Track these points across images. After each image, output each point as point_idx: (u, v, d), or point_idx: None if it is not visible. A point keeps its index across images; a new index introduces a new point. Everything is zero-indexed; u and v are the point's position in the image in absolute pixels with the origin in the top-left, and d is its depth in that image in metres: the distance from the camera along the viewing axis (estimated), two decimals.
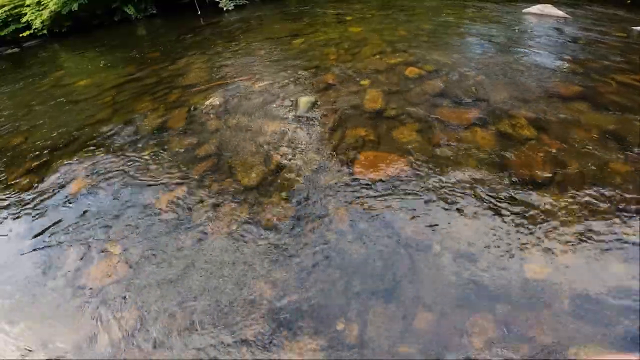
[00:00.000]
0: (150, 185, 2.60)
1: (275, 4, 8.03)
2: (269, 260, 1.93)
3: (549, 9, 5.13)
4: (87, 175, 2.82)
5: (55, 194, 2.72)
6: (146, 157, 2.86)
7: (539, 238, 1.85)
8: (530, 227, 1.91)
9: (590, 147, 2.37)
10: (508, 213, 1.99)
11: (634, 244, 1.76)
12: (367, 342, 1.53)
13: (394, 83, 3.35)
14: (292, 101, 3.22)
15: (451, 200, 2.09)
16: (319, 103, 3.15)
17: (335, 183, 2.30)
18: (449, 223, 1.97)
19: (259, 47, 4.95)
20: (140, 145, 3.03)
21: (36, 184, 2.87)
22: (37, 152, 3.31)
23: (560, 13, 5.02)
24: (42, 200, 2.67)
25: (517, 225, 1.93)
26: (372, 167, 2.38)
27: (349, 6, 6.81)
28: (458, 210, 2.04)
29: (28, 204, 2.66)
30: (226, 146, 2.81)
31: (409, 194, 2.17)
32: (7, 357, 1.74)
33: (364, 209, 2.12)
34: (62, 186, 2.78)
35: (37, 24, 8.52)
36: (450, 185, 2.19)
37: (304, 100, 3.09)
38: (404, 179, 2.27)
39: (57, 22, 8.76)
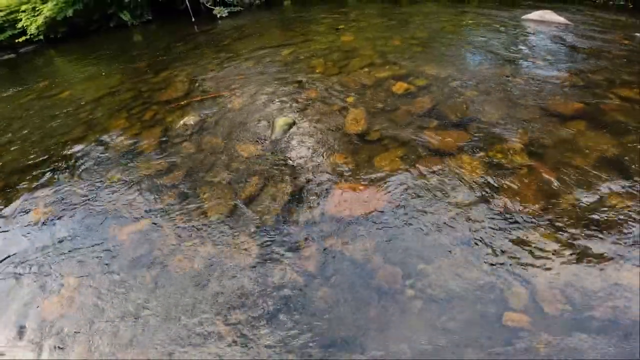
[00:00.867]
0: (113, 215, 2.43)
1: (271, 11, 7.87)
2: (229, 303, 1.77)
3: (549, 15, 4.88)
4: (50, 203, 2.66)
5: (14, 222, 2.57)
6: (112, 184, 2.69)
7: (523, 284, 1.64)
8: (515, 271, 1.70)
9: (588, 177, 2.15)
10: (490, 254, 1.78)
11: (628, 298, 1.54)
12: None
13: (380, 100, 3.14)
14: (269, 122, 3.02)
15: (430, 241, 1.89)
16: (297, 124, 2.95)
17: (307, 220, 2.11)
18: (426, 265, 1.77)
19: (246, 57, 4.77)
20: (107, 169, 2.86)
21: None
22: (7, 173, 3.17)
23: (560, 19, 4.77)
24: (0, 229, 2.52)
25: (498, 267, 1.72)
26: (347, 202, 2.18)
27: (344, 13, 6.61)
28: (436, 251, 1.83)
29: None
30: (196, 174, 2.63)
31: (385, 232, 1.96)
32: None
33: (334, 249, 1.93)
34: (23, 213, 2.62)
35: (32, 29, 8.46)
36: (430, 223, 1.98)
37: (281, 122, 2.90)
38: (381, 216, 2.06)
39: (53, 27, 8.68)
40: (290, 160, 2.60)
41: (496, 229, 1.91)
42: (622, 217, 1.90)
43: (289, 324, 1.63)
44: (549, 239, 1.83)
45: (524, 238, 1.85)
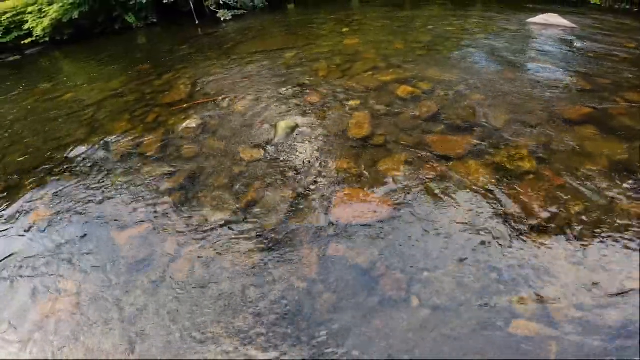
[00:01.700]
0: (112, 218, 2.40)
1: (275, 14, 7.87)
2: (229, 309, 1.73)
3: (555, 18, 4.84)
4: (50, 204, 2.64)
5: (13, 224, 2.55)
6: (113, 187, 2.67)
7: (532, 291, 1.59)
8: (523, 279, 1.65)
9: (598, 183, 2.10)
10: (497, 261, 1.74)
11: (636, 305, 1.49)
12: None
13: (384, 104, 3.10)
14: (271, 126, 2.99)
15: (436, 247, 1.84)
16: (299, 128, 2.92)
17: (309, 226, 2.07)
18: (431, 273, 1.72)
19: (249, 60, 4.76)
20: (108, 172, 2.84)
21: None
22: (8, 175, 3.16)
23: (566, 23, 4.72)
24: None
25: (505, 275, 1.67)
26: (350, 208, 2.14)
27: (348, 17, 6.59)
28: (442, 258, 1.79)
29: None
30: (197, 177, 2.60)
31: (389, 239, 1.92)
32: None
33: (337, 255, 1.88)
34: (23, 215, 2.60)
35: (38, 31, 8.51)
36: (435, 229, 1.94)
37: (283, 126, 2.86)
38: (385, 222, 2.02)
39: (59, 29, 8.74)
40: (293, 164, 2.56)
41: (503, 235, 1.86)
42: (633, 223, 1.84)
43: (290, 332, 1.59)
44: (557, 245, 1.78)
45: (532, 244, 1.80)
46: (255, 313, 1.69)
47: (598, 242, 1.78)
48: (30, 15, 8.73)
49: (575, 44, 4.14)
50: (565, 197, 2.03)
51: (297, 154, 2.65)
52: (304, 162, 2.56)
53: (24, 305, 1.94)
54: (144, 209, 2.42)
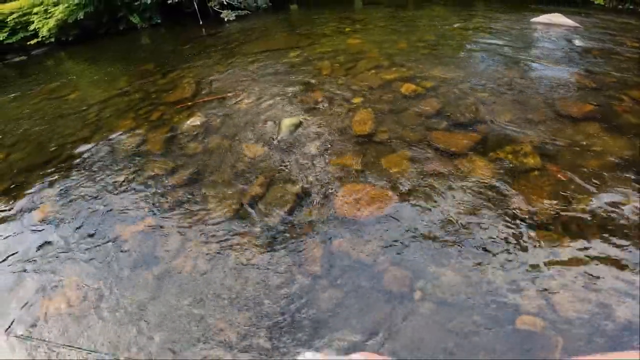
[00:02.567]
0: (117, 214, 2.42)
1: (278, 15, 7.90)
2: (233, 304, 1.74)
3: (558, 18, 4.83)
4: (56, 201, 2.66)
5: (20, 220, 2.57)
6: (117, 184, 2.69)
7: (536, 287, 1.59)
8: (527, 274, 1.65)
9: (603, 180, 2.09)
10: (502, 257, 1.73)
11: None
12: None
13: (388, 102, 3.11)
14: (275, 123, 3.01)
15: (439, 243, 1.84)
16: (303, 125, 2.93)
17: (313, 221, 2.07)
18: (434, 268, 1.72)
19: (253, 59, 4.78)
20: (114, 169, 2.86)
21: (5, 208, 2.72)
22: (15, 172, 3.19)
23: (569, 22, 4.71)
24: (5, 227, 2.52)
25: (511, 270, 1.67)
26: (354, 203, 2.14)
27: (351, 17, 6.61)
28: (445, 253, 1.79)
29: None
30: (202, 174, 2.61)
31: (393, 234, 1.92)
32: None
33: (341, 250, 1.89)
34: (29, 212, 2.63)
35: (44, 32, 8.57)
36: (439, 224, 1.94)
37: (287, 123, 2.87)
38: (389, 217, 2.02)
39: (64, 30, 8.80)
40: (297, 160, 2.57)
41: (508, 232, 1.86)
42: (635, 220, 1.84)
43: (294, 326, 1.59)
44: (562, 242, 1.77)
45: (537, 241, 1.79)
46: (259, 307, 1.69)
47: (602, 239, 1.77)
48: (36, 16, 8.79)
49: (579, 43, 4.13)
50: (569, 194, 2.02)
51: (301, 150, 2.66)
52: (307, 159, 2.57)
53: (30, 299, 1.96)
54: (149, 204, 2.43)
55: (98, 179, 2.80)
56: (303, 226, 2.06)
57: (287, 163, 2.57)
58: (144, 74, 5.06)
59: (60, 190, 2.78)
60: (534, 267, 1.69)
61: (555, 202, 1.99)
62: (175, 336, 1.65)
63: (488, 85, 3.22)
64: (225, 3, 8.22)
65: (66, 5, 8.21)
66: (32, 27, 8.73)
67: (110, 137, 3.33)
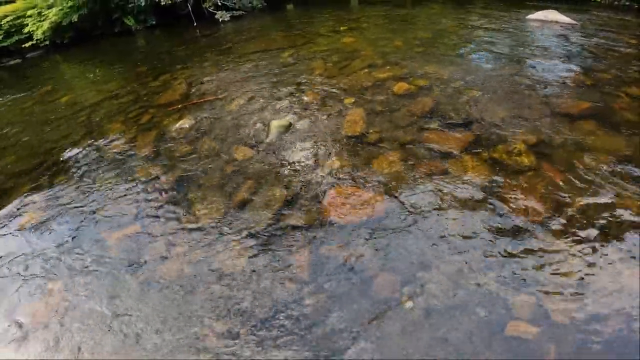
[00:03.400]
0: (103, 219, 2.37)
1: (273, 15, 7.84)
2: (218, 311, 1.69)
3: (554, 14, 4.76)
4: (42, 207, 2.61)
5: (6, 225, 2.52)
6: (105, 188, 2.64)
7: (529, 291, 1.54)
8: (522, 279, 1.59)
9: (599, 179, 2.03)
10: (494, 260, 1.68)
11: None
12: None
13: (380, 101, 3.05)
14: (265, 125, 2.95)
15: (431, 247, 1.79)
16: (294, 126, 2.87)
17: (301, 225, 2.02)
18: (425, 273, 1.67)
19: (246, 60, 4.72)
20: (101, 173, 2.81)
21: None
22: (2, 177, 3.14)
23: (565, 19, 4.65)
24: None
25: (504, 275, 1.62)
26: (343, 207, 2.08)
27: (347, 16, 6.55)
28: (437, 257, 1.73)
29: None
30: (189, 177, 2.56)
31: (383, 239, 1.87)
32: None
33: (330, 255, 1.83)
34: (15, 217, 2.58)
35: (38, 34, 8.50)
36: (430, 228, 1.88)
37: (276, 125, 2.82)
38: (379, 221, 1.97)
39: (59, 32, 8.74)
40: (285, 163, 2.52)
41: (501, 234, 1.80)
42: (633, 220, 1.78)
43: (280, 333, 1.54)
44: (556, 244, 1.72)
45: (530, 243, 1.74)
46: (245, 314, 1.64)
47: (599, 238, 1.71)
48: (30, 19, 8.74)
49: (575, 40, 4.07)
50: (564, 194, 1.97)
51: (290, 153, 2.61)
52: (296, 161, 2.51)
53: (13, 305, 1.92)
54: (136, 209, 2.38)
55: (85, 184, 2.75)
56: (291, 231, 2.01)
57: (276, 166, 2.51)
58: (137, 76, 5.01)
59: (48, 195, 2.73)
60: (527, 268, 1.63)
61: (550, 203, 1.93)
62: (158, 342, 1.60)
63: (481, 83, 3.16)
64: (219, 4, 8.16)
65: (60, 8, 8.16)
66: (26, 30, 8.69)
67: (99, 141, 3.28)
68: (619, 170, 2.09)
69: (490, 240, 1.78)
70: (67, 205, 2.57)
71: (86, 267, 2.05)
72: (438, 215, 1.95)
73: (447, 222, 1.90)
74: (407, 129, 2.63)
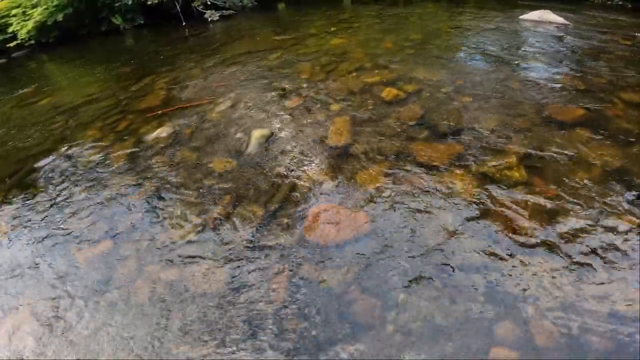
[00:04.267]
0: (72, 236, 2.23)
1: (264, 14, 7.68)
2: (192, 333, 1.58)
3: (548, 15, 4.66)
4: (10, 221, 2.47)
5: None
6: (75, 202, 2.49)
7: (513, 315, 1.43)
8: (504, 301, 1.49)
9: (592, 194, 1.93)
10: (479, 282, 1.57)
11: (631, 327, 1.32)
12: None
13: (367, 108, 2.93)
14: (245, 134, 2.81)
15: (413, 268, 1.67)
16: (275, 136, 2.74)
17: (279, 245, 1.89)
18: (407, 296, 1.56)
19: (232, 62, 4.58)
20: (73, 186, 2.66)
21: None
22: None
23: (559, 19, 4.55)
24: None
25: (486, 298, 1.51)
26: (324, 225, 1.96)
27: (339, 16, 6.41)
28: (419, 280, 1.62)
29: None
30: (164, 191, 2.42)
31: (364, 260, 1.75)
32: None
33: (308, 277, 1.72)
34: None
35: (22, 34, 8.30)
36: (414, 250, 1.77)
37: (257, 135, 2.68)
38: (360, 241, 1.85)
39: (44, 32, 8.53)
40: (265, 177, 2.39)
41: (488, 253, 1.69)
42: (625, 238, 1.68)
43: (257, 356, 1.43)
44: (545, 264, 1.61)
45: (518, 263, 1.63)
46: (219, 337, 1.53)
47: (591, 265, 1.61)
48: (14, 18, 8.54)
49: (568, 41, 3.97)
50: (556, 210, 1.86)
51: (270, 165, 2.47)
52: (276, 175, 2.39)
53: None
54: (107, 224, 2.25)
55: (56, 197, 2.60)
56: (268, 250, 1.88)
57: (255, 179, 2.38)
58: (119, 78, 4.85)
59: (16, 208, 2.59)
60: (512, 290, 1.53)
61: (541, 218, 1.83)
62: None
63: (473, 89, 3.05)
64: (209, 3, 7.99)
65: (44, 7, 7.95)
66: (10, 30, 8.48)
67: (73, 149, 3.13)
68: (611, 183, 1.99)
69: (477, 260, 1.68)
70: (36, 220, 2.42)
71: (55, 285, 1.93)
72: (423, 234, 1.83)
73: (432, 241, 1.79)
74: (395, 140, 2.51)
